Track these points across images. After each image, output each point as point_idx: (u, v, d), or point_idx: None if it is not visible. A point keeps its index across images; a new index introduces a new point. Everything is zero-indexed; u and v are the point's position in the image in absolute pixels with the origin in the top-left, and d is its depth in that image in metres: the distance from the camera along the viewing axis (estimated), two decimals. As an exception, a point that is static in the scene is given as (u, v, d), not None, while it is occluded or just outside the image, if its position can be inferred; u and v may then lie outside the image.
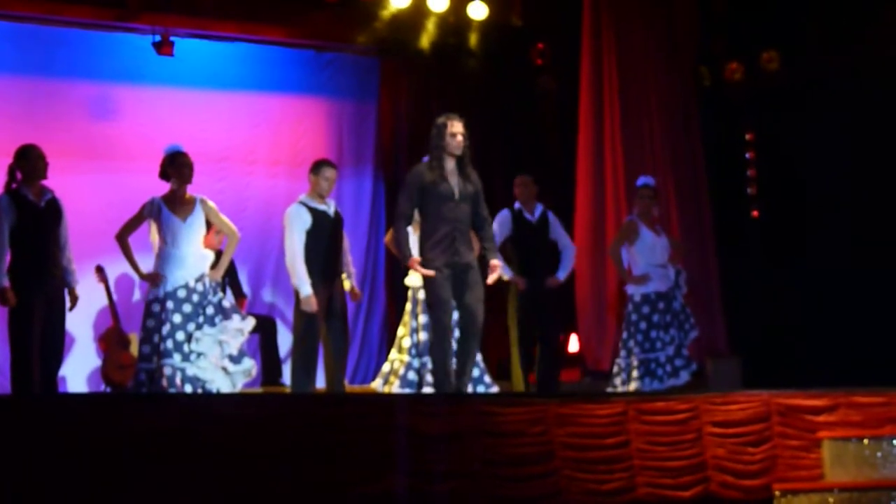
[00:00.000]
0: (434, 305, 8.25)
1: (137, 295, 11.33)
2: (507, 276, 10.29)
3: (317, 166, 9.28)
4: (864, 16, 11.31)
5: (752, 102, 12.32)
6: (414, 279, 9.65)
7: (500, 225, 10.34)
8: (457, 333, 8.46)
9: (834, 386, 8.79)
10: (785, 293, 11.89)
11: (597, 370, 11.70)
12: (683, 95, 12.35)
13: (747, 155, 12.42)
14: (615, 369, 10.33)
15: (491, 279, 8.46)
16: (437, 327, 8.22)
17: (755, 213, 12.42)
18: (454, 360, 8.31)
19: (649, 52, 12.27)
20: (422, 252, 8.31)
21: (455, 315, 8.45)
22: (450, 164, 8.34)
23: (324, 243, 9.13)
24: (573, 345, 11.66)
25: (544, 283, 10.45)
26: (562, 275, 10.58)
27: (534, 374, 10.63)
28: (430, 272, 8.20)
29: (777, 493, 8.07)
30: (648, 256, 10.30)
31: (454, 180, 8.32)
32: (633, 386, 10.02)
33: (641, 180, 10.58)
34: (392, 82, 13.04)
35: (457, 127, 8.34)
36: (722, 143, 12.44)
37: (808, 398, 8.46)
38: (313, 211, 9.14)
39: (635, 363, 10.11)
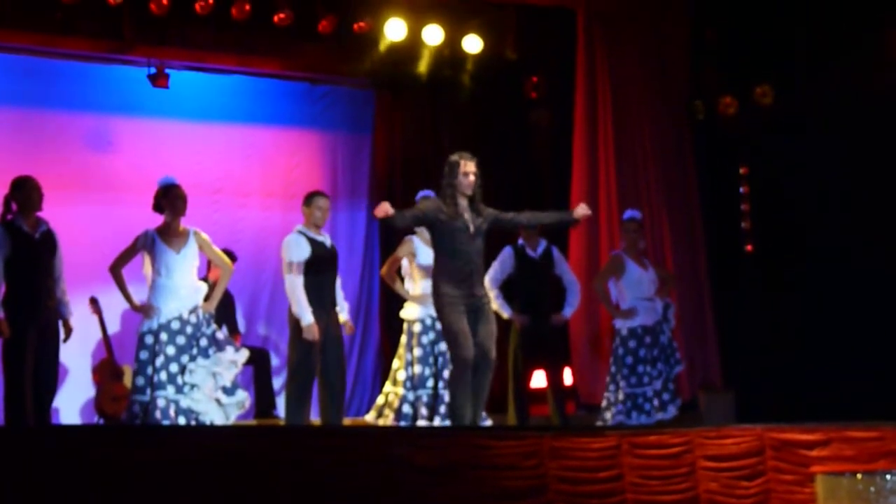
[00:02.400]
0: (453, 340, 8.23)
1: (131, 327, 11.34)
2: (506, 315, 10.33)
3: (309, 198, 9.32)
4: (854, 45, 11.37)
5: (745, 136, 12.36)
6: (410, 312, 9.68)
7: (502, 262, 10.39)
8: None
9: (827, 420, 8.82)
10: (779, 327, 11.90)
11: (590, 403, 11.70)
12: (677, 129, 12.39)
13: (741, 189, 12.45)
14: (604, 403, 10.36)
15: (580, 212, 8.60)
16: (458, 362, 8.19)
17: (749, 247, 12.44)
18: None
19: (643, 86, 12.32)
20: (436, 287, 8.32)
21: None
22: (462, 202, 8.37)
23: (321, 274, 9.16)
24: (567, 378, 11.67)
25: (549, 320, 10.48)
26: (568, 312, 10.62)
27: (534, 407, 10.70)
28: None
29: (770, 526, 8.09)
30: (635, 290, 10.33)
31: (467, 216, 8.35)
32: (620, 420, 10.05)
33: (627, 214, 10.63)
34: (387, 115, 13.07)
35: (469, 167, 8.37)
36: (716, 177, 12.47)
37: (801, 433, 8.48)
38: (312, 241, 9.18)
39: (622, 397, 10.13)
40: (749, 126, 12.30)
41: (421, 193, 9.92)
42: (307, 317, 8.98)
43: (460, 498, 7.16)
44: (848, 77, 11.46)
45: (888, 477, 8.19)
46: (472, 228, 8.31)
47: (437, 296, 8.28)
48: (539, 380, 10.96)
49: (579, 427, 10.16)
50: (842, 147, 11.37)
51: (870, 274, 11.15)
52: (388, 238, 12.32)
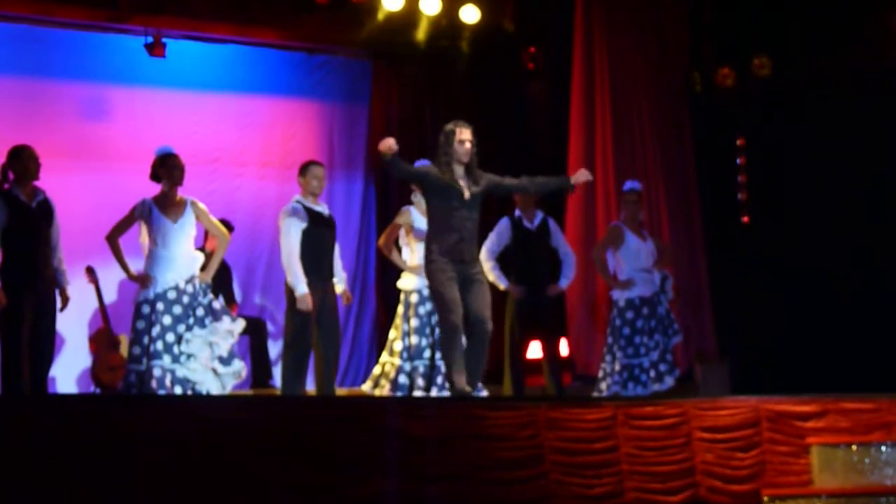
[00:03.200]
0: (442, 306, 8.24)
1: (128, 296, 11.33)
2: (503, 286, 10.33)
3: (304, 168, 9.31)
4: (854, 21, 11.35)
5: (743, 108, 12.34)
6: (407, 282, 9.67)
7: (498, 234, 10.38)
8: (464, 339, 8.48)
9: (823, 392, 8.84)
10: (775, 299, 11.90)
11: (586, 374, 11.73)
12: (675, 101, 12.38)
13: (738, 160, 12.44)
14: (601, 374, 10.37)
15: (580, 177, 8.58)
16: (446, 327, 8.21)
17: (745, 218, 12.43)
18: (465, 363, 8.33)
19: (641, 58, 12.30)
20: (428, 253, 8.31)
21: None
22: (458, 170, 8.36)
23: (319, 244, 9.16)
24: (563, 349, 11.68)
25: (545, 291, 10.49)
26: (563, 283, 10.63)
27: (530, 378, 10.71)
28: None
29: (765, 498, 8.10)
30: (633, 261, 10.33)
31: (463, 185, 8.33)
32: (615, 391, 10.06)
33: (627, 185, 10.63)
34: (384, 85, 13.05)
35: (465, 134, 8.34)
36: (713, 149, 12.45)
37: (797, 404, 8.49)
38: (309, 211, 9.17)
39: (618, 368, 10.14)
40: (746, 98, 12.28)
41: (417, 163, 9.89)
42: (301, 287, 8.98)
43: (456, 468, 7.16)
44: (846, 50, 11.45)
45: (883, 448, 8.24)
46: (467, 196, 8.28)
47: (428, 262, 8.29)
48: (535, 351, 10.95)
49: (575, 398, 10.18)
50: (839, 119, 11.36)
51: (866, 244, 11.16)
52: (385, 208, 12.34)
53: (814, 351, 11.12)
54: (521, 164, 12.22)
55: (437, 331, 9.36)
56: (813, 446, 8.32)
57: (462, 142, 8.32)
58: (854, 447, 8.27)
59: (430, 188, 8.36)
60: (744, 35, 12.17)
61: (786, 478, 8.24)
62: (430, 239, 8.34)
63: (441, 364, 9.32)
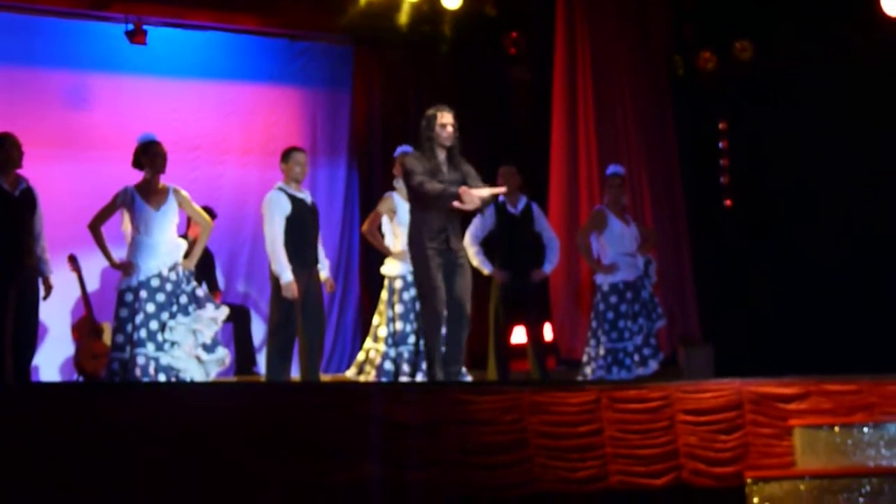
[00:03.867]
0: (425, 294, 8.27)
1: (111, 284, 11.32)
2: (487, 271, 10.36)
3: (286, 154, 9.33)
4: (838, 4, 11.37)
5: (725, 91, 12.37)
6: (391, 268, 9.67)
7: (482, 219, 10.39)
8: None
9: (805, 374, 8.87)
10: (757, 282, 11.96)
11: (570, 359, 11.75)
12: (657, 84, 12.39)
13: (720, 144, 12.47)
14: (585, 358, 10.40)
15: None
16: (430, 316, 8.25)
17: (728, 201, 12.47)
18: (444, 349, 8.35)
19: (623, 42, 12.31)
20: (412, 240, 8.32)
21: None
22: (440, 155, 8.37)
23: (302, 231, 9.17)
24: (547, 334, 11.71)
25: (529, 276, 10.51)
26: (547, 268, 10.66)
27: (514, 363, 10.75)
28: None
29: (749, 480, 8.13)
30: (617, 246, 10.35)
31: (445, 169, 8.34)
32: (600, 375, 10.09)
33: (611, 169, 10.64)
34: (366, 71, 13.03)
35: (446, 118, 8.36)
36: (695, 133, 12.49)
37: (779, 386, 8.53)
38: (292, 198, 9.18)
39: (602, 352, 10.17)
40: (728, 81, 12.31)
41: (399, 149, 9.91)
42: (286, 275, 8.99)
43: (441, 453, 7.19)
44: (829, 33, 11.48)
45: (865, 430, 8.28)
46: (450, 183, 8.28)
47: (413, 248, 8.31)
48: (519, 335, 10.98)
49: (559, 381, 10.21)
50: (821, 103, 11.40)
51: (847, 228, 11.21)
52: (368, 194, 12.34)
53: (797, 334, 11.18)
54: (504, 149, 12.25)
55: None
56: (795, 428, 8.35)
57: (444, 125, 8.34)
58: (836, 429, 8.31)
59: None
60: (726, 19, 12.20)
61: (769, 460, 8.27)
62: (415, 226, 8.35)
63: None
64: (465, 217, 8.51)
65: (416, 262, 8.30)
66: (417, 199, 8.37)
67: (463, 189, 8.09)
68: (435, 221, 8.25)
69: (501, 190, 8.53)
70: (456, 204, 8.10)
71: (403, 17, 12.35)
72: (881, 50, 11.15)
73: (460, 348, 8.36)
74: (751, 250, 12.14)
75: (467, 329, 8.36)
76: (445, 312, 8.27)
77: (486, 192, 8.23)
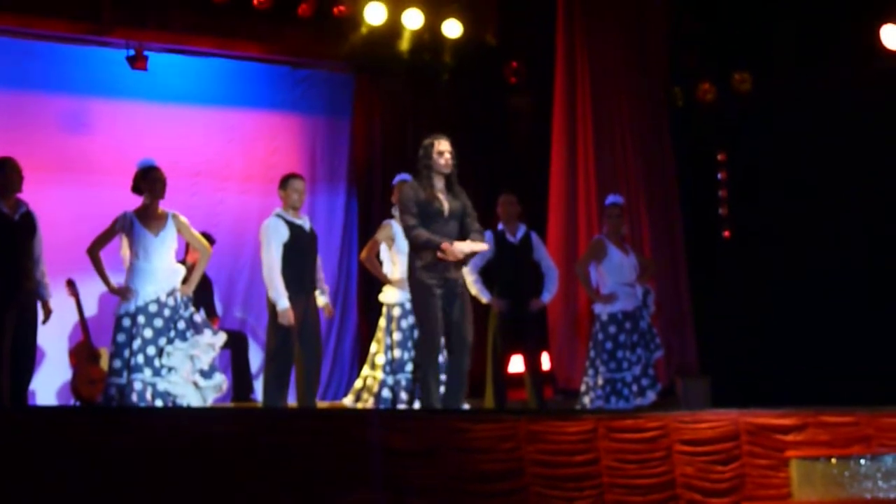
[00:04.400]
0: (423, 326, 8.27)
1: (108, 309, 11.33)
2: (485, 299, 10.36)
3: (285, 181, 9.34)
4: (835, 35, 11.42)
5: (724, 123, 12.41)
6: (389, 295, 9.68)
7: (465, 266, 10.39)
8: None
9: (803, 406, 8.87)
10: (755, 313, 11.96)
11: (568, 389, 11.75)
12: (656, 115, 12.44)
13: (719, 175, 12.50)
14: (583, 388, 10.39)
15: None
16: (428, 345, 8.25)
17: (727, 233, 12.49)
18: (446, 380, 8.36)
19: (623, 72, 12.36)
20: (412, 269, 8.34)
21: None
22: (438, 183, 8.39)
23: (300, 257, 9.17)
24: (545, 363, 11.71)
25: (527, 305, 10.52)
26: (546, 297, 10.66)
27: (512, 392, 10.75)
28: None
29: (745, 511, 8.15)
30: (616, 275, 10.35)
31: (443, 198, 8.36)
32: (598, 405, 10.08)
33: (610, 199, 10.64)
34: (366, 99, 13.07)
35: (444, 146, 8.39)
36: (694, 164, 12.52)
37: (776, 417, 8.53)
38: (290, 224, 9.19)
39: (601, 382, 10.17)
40: (727, 113, 12.35)
41: (398, 177, 9.93)
42: (283, 301, 8.99)
43: (437, 480, 7.19)
44: (827, 64, 11.52)
45: (862, 462, 8.28)
46: (447, 211, 8.31)
47: (412, 277, 8.31)
48: (517, 364, 10.98)
49: (556, 410, 10.20)
50: (820, 134, 11.43)
51: (846, 260, 11.22)
52: (367, 221, 12.35)
53: (794, 365, 11.18)
54: (504, 177, 12.29)
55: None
56: (792, 459, 8.36)
57: (441, 153, 8.36)
58: (833, 460, 8.31)
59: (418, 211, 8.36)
60: (725, 50, 12.25)
61: (765, 491, 8.28)
62: (413, 255, 8.36)
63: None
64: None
65: (415, 292, 8.30)
66: (407, 237, 8.40)
67: (445, 245, 8.13)
68: (434, 251, 8.25)
69: (483, 247, 8.50)
70: (439, 255, 8.14)
71: (404, 45, 12.42)
72: (880, 82, 11.19)
73: (462, 379, 8.32)
74: (749, 282, 12.14)
75: (469, 357, 8.34)
76: (443, 341, 8.28)
77: (468, 247, 8.26)
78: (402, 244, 9.44)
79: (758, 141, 12.07)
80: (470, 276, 10.11)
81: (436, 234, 8.24)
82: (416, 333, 9.45)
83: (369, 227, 11.79)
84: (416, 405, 9.36)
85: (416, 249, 8.27)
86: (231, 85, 12.61)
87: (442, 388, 8.48)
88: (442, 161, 8.36)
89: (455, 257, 8.16)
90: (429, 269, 8.21)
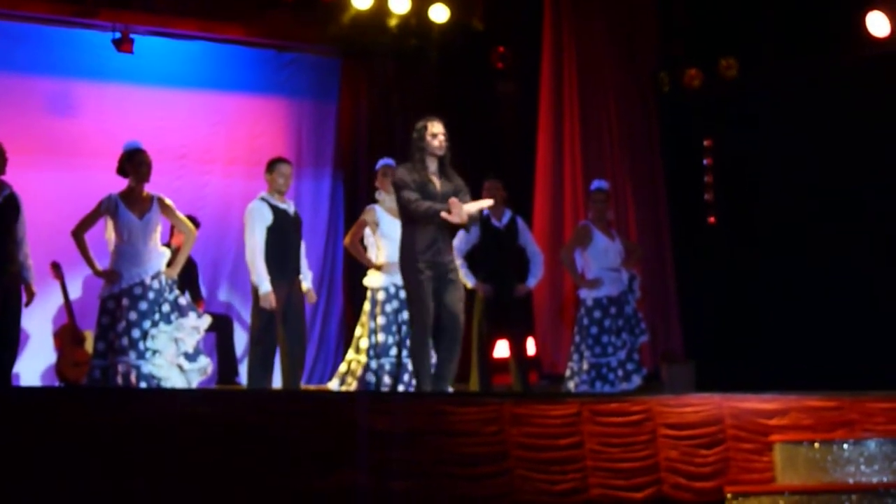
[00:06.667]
0: (416, 307, 8.25)
1: (93, 292, 11.32)
2: (471, 284, 10.36)
3: (271, 164, 9.35)
4: (822, 21, 11.42)
5: (710, 109, 12.41)
6: (373, 280, 9.68)
7: (466, 232, 10.41)
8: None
9: (787, 390, 8.89)
10: (740, 298, 11.98)
11: (553, 373, 11.78)
12: (643, 101, 12.47)
13: (705, 161, 12.51)
14: (568, 373, 10.42)
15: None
16: (419, 329, 8.23)
17: (712, 219, 12.51)
18: (434, 363, 8.35)
19: (610, 58, 12.38)
20: (403, 253, 8.32)
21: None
22: (432, 166, 8.35)
23: (284, 241, 9.18)
24: (530, 348, 11.73)
25: (513, 290, 10.53)
26: (531, 282, 10.69)
27: (497, 377, 10.77)
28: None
29: (728, 495, 8.13)
30: (601, 260, 10.38)
31: (437, 181, 8.33)
32: (583, 390, 10.10)
33: (595, 184, 10.67)
34: (352, 83, 13.07)
35: (437, 128, 8.33)
36: (680, 149, 12.53)
37: (760, 402, 8.54)
38: (274, 208, 9.19)
39: (586, 367, 10.18)
40: (714, 99, 12.36)
41: (381, 162, 9.94)
42: (265, 285, 9.00)
43: (420, 464, 7.18)
44: (814, 51, 11.52)
45: (845, 446, 8.30)
46: (440, 195, 8.25)
47: (404, 261, 8.28)
48: (502, 349, 11.01)
49: (540, 394, 10.22)
50: (806, 120, 11.44)
51: (831, 246, 11.23)
52: (353, 206, 12.35)
53: (778, 350, 11.20)
54: (489, 163, 12.27)
55: (404, 329, 9.40)
56: (776, 444, 8.37)
57: (434, 135, 8.31)
58: (816, 445, 8.32)
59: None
60: (711, 36, 12.24)
61: (749, 475, 8.28)
62: (406, 237, 8.33)
63: (408, 362, 9.35)
64: (453, 230, 8.48)
65: (407, 276, 8.27)
66: (408, 212, 8.35)
67: (452, 200, 8.09)
68: (426, 234, 8.21)
69: (488, 202, 8.53)
70: (443, 215, 8.10)
71: (391, 29, 12.39)
72: (866, 69, 11.20)
73: (452, 363, 8.29)
74: (734, 267, 12.16)
75: (460, 342, 8.33)
76: (433, 325, 8.26)
77: (474, 206, 8.24)
78: (387, 229, 9.47)
79: (744, 127, 12.07)
80: (455, 261, 10.12)
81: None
82: (400, 317, 9.47)
83: (355, 211, 11.75)
84: (400, 389, 9.37)
85: (421, 220, 8.19)
86: (217, 68, 12.60)
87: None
88: (436, 143, 8.31)
89: (461, 217, 8.11)
90: (420, 252, 8.19)
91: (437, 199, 8.24)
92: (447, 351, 8.28)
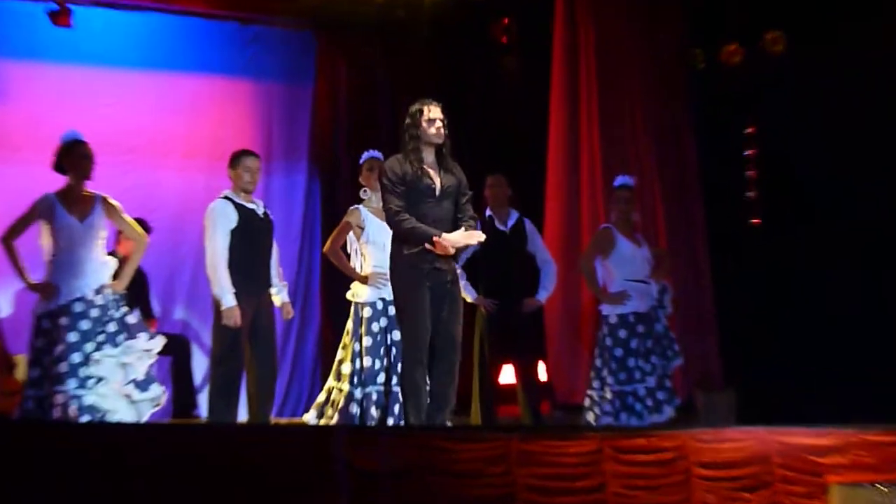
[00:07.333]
0: (409, 325, 8.23)
1: (26, 309, 11.32)
2: (470, 298, 10.36)
3: (235, 158, 9.38)
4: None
5: (753, 90, 12.42)
6: (358, 293, 9.67)
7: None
8: None
9: (844, 423, 8.90)
10: (789, 315, 11.98)
11: (569, 403, 11.79)
12: (673, 81, 12.47)
13: (747, 152, 12.53)
14: (587, 402, 10.41)
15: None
16: (412, 352, 8.21)
17: (756, 220, 12.52)
18: (430, 391, 8.35)
19: (633, 30, 12.39)
20: (395, 258, 8.30)
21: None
22: (428, 157, 8.33)
23: (251, 247, 9.21)
24: (541, 373, 11.74)
25: (520, 305, 10.55)
26: (542, 296, 10.70)
27: (502, 408, 10.78)
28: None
29: (776, 546, 8.18)
30: (626, 270, 10.39)
31: (434, 174, 8.32)
32: (606, 422, 10.11)
33: (619, 180, 10.65)
34: (330, 62, 13.10)
35: (434, 112, 8.29)
36: (718, 138, 12.54)
37: (813, 436, 8.54)
38: (240, 209, 9.21)
39: (609, 395, 10.19)
40: (757, 78, 12.37)
41: (366, 154, 9.95)
42: (228, 299, 9.02)
43: (413, 508, 7.21)
44: (877, 23, 11.52)
45: (913, 488, 8.32)
46: (438, 190, 8.26)
47: (395, 269, 8.26)
48: (508, 375, 11.02)
49: (554, 427, 10.23)
50: (864, 103, 11.43)
51: (893, 249, 11.24)
52: (332, 206, 12.39)
53: (833, 376, 11.19)
54: (492, 154, 12.30)
55: (395, 351, 9.39)
56: (832, 485, 8.37)
57: (431, 121, 8.28)
58: (880, 487, 8.34)
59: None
60: (754, 4, 12.25)
61: (800, 522, 8.31)
62: (398, 242, 8.32)
63: (399, 391, 9.34)
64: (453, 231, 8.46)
65: (399, 286, 8.26)
66: (389, 223, 8.35)
67: (436, 239, 8.10)
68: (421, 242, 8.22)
69: (479, 237, 8.42)
70: (427, 247, 8.11)
71: (375, -2, 12.44)
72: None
73: (451, 391, 8.29)
74: (782, 278, 12.16)
75: (458, 364, 8.31)
76: (426, 358, 8.25)
77: (461, 239, 8.19)
78: (374, 233, 9.48)
79: (793, 112, 12.07)
80: (456, 270, 10.13)
81: (426, 217, 8.19)
82: (389, 338, 9.47)
83: (334, 213, 11.80)
84: (390, 423, 9.37)
85: (400, 239, 8.26)
86: (170, 45, 12.64)
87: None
88: (433, 130, 8.30)
89: (446, 252, 8.13)
90: (415, 259, 8.17)
91: (435, 196, 8.25)
92: (445, 377, 8.27)
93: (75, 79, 12.08)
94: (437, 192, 8.26)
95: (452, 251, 8.17)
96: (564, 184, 12.31)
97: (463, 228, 8.29)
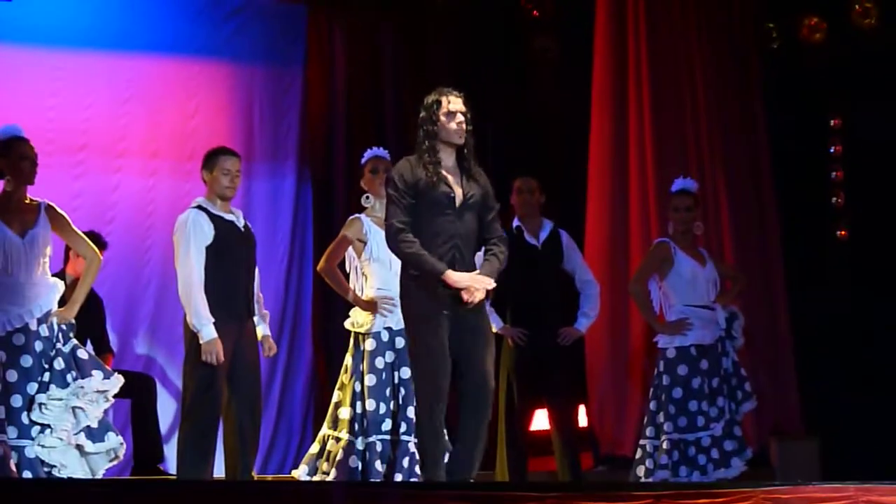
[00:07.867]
0: (424, 362, 8.16)
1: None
2: (496, 328, 10.31)
3: (210, 158, 9.37)
4: None
5: (838, 74, 12.43)
6: (359, 321, 9.66)
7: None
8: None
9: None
10: (883, 348, 11.98)
11: (615, 455, 11.80)
12: (741, 63, 12.48)
13: (832, 149, 12.53)
14: (639, 454, 10.41)
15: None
16: (427, 394, 8.16)
17: (843, 232, 12.52)
18: (452, 444, 8.34)
19: (692, 1, 12.40)
20: (406, 283, 8.25)
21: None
22: (447, 159, 8.27)
23: (231, 267, 9.21)
24: (581, 419, 11.75)
25: (555, 336, 10.54)
26: (582, 324, 10.70)
27: (534, 460, 10.80)
28: None
29: None
30: (688, 294, 10.38)
31: (454, 181, 8.28)
32: (662, 478, 10.11)
33: (678, 185, 10.63)
34: (324, 41, 13.12)
35: (455, 104, 8.19)
36: (796, 132, 12.54)
37: (912, 495, 8.56)
38: (217, 220, 9.21)
39: (666, 445, 10.19)
40: (842, 59, 12.37)
41: (369, 153, 9.94)
42: (208, 330, 9.01)
43: (427, 583, 7.22)
44: None
45: None
46: (458, 199, 8.20)
47: (407, 293, 8.22)
48: (541, 421, 11.02)
49: (597, 484, 10.22)
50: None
51: None
52: (327, 216, 12.40)
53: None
54: (521, 154, 12.31)
55: (403, 391, 9.39)
56: (937, 554, 8.39)
57: (451, 114, 8.19)
58: None
59: (416, 200, 8.25)
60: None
61: None
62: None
63: (408, 441, 9.34)
64: (477, 245, 8.42)
65: (411, 314, 8.22)
66: (413, 225, 8.27)
67: (466, 288, 8.02)
68: (440, 254, 8.11)
69: (488, 284, 8.30)
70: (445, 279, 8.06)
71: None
72: None
73: (479, 443, 8.21)
74: (874, 302, 12.16)
75: (489, 413, 8.26)
76: (445, 405, 8.22)
77: (468, 281, 8.05)
78: (378, 249, 9.48)
79: (887, 100, 12.08)
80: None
81: (443, 234, 8.14)
82: (397, 375, 9.47)
83: (331, 223, 11.83)
84: (398, 479, 9.38)
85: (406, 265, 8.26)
86: (131, 21, 12.64)
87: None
88: (453, 126, 8.22)
89: (472, 298, 8.05)
90: (431, 282, 8.09)
91: (455, 208, 8.18)
92: (472, 424, 8.18)
93: (15, 62, 12.09)
94: (458, 203, 8.18)
95: (482, 295, 8.11)
96: (609, 188, 12.32)
97: (483, 256, 8.27)
